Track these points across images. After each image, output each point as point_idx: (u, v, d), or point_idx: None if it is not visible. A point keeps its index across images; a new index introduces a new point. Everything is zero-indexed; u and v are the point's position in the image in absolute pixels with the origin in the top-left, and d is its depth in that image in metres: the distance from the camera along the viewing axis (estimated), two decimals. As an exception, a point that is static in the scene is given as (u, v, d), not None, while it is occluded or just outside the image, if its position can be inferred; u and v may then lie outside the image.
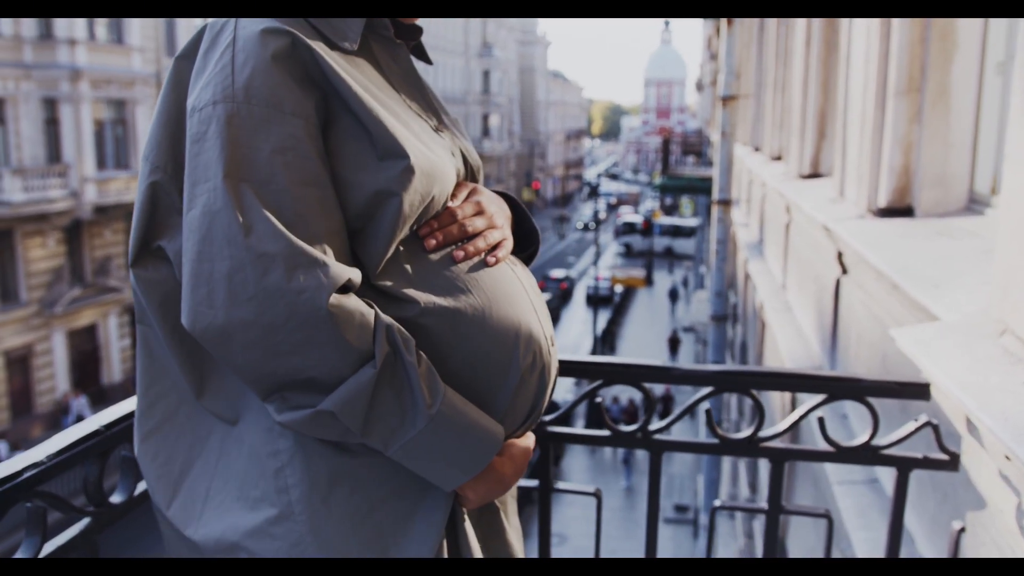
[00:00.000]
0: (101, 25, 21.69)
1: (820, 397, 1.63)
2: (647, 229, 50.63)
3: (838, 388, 1.61)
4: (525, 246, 1.43)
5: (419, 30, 1.35)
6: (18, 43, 20.02)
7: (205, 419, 1.21)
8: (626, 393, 23.75)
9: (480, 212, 1.28)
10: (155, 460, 1.23)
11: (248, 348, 1.05)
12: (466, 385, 1.18)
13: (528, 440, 1.31)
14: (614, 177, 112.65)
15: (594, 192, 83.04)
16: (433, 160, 1.18)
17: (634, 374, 1.66)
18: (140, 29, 22.62)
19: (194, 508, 1.20)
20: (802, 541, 4.56)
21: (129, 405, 1.38)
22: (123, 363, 23.23)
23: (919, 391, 1.60)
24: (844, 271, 4.20)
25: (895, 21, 3.47)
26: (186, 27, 25.69)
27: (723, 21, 12.12)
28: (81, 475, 1.29)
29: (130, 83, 22.25)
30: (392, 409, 1.10)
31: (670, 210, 60.31)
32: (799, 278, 6.11)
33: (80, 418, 18.21)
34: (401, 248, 1.18)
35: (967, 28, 3.29)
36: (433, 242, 1.21)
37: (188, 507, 1.21)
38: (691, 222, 52.62)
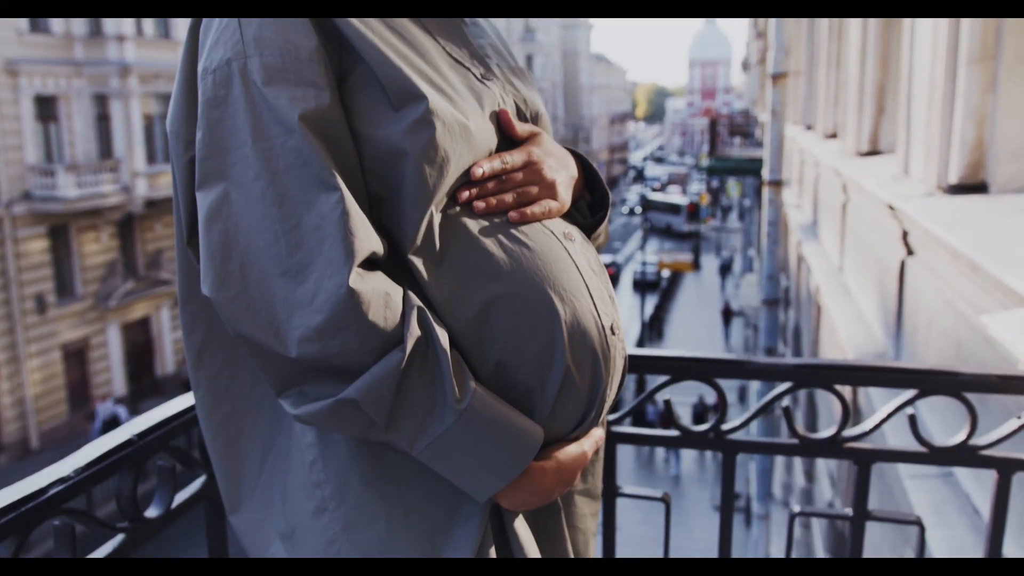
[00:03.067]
0: (149, 20, 21.93)
1: (911, 393, 1.49)
2: (693, 212, 50.07)
3: (932, 383, 1.46)
4: (594, 212, 1.28)
5: None
6: (69, 41, 20.35)
7: (276, 408, 1.13)
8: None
9: (527, 164, 1.12)
10: (226, 460, 1.17)
11: (270, 328, 0.95)
12: (498, 385, 1.05)
13: (585, 443, 1.14)
14: (659, 160, 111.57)
15: (639, 176, 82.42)
16: (460, 117, 1.04)
17: (705, 369, 1.53)
18: (186, 23, 22.84)
19: (270, 505, 1.14)
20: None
21: (164, 412, 1.29)
22: (175, 355, 23.60)
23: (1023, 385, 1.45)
24: (910, 252, 4.01)
25: (966, -14, 3.26)
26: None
27: (772, -3, 11.82)
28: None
29: (177, 77, 22.49)
30: (421, 401, 0.99)
31: (716, 193, 59.57)
32: (858, 260, 5.90)
33: (110, 424, 18.45)
34: (433, 222, 1.04)
35: (1045, -9, 3.08)
36: (465, 194, 1.06)
37: (264, 504, 1.14)
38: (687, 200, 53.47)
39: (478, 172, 1.06)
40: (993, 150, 3.30)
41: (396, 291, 0.98)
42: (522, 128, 1.14)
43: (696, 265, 43.28)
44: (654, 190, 66.32)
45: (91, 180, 20.18)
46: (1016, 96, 3.21)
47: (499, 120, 1.11)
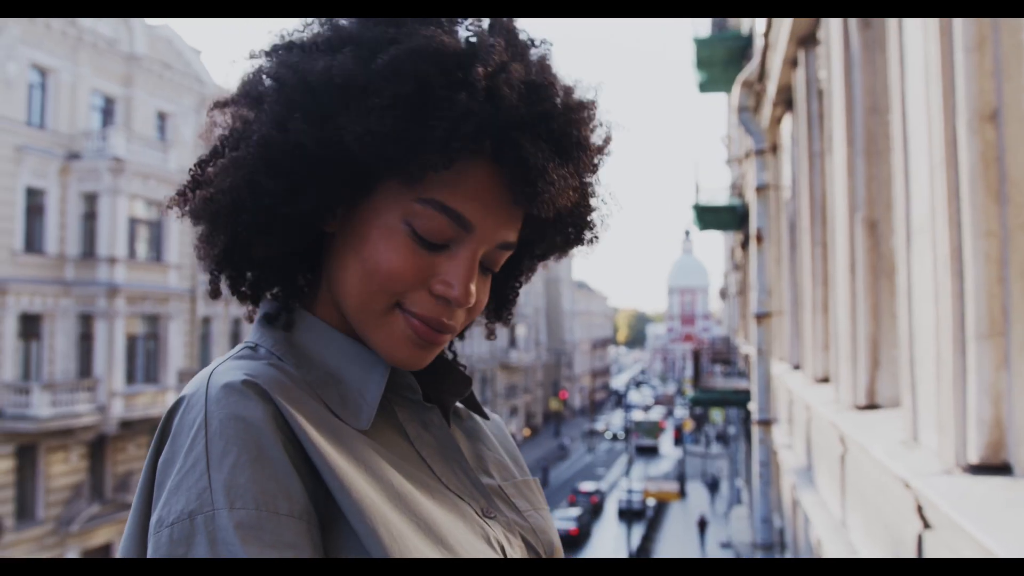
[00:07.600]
0: (142, 242, 22.39)
1: None
2: (678, 439, 49.73)
3: None
4: None
5: (465, 382, 1.07)
6: (61, 261, 20.65)
7: None
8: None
9: None
10: None
11: None
12: None
13: None
14: (640, 384, 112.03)
15: (620, 401, 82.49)
16: None
17: None
18: (179, 247, 23.32)
19: None
20: None
21: None
22: (135, 585, 22.22)
23: None
24: (927, 526, 3.74)
25: (968, 258, 3.22)
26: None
27: (752, 238, 12.17)
28: None
29: (165, 299, 22.69)
30: None
31: (700, 419, 59.46)
32: (865, 519, 5.59)
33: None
34: None
35: (1049, 267, 3.04)
36: None
37: None
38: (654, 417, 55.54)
39: None
40: (1013, 430, 3.13)
41: None
42: None
43: (682, 494, 42.25)
44: (645, 409, 66.62)
45: (66, 399, 19.82)
46: (1031, 373, 3.09)
47: None
